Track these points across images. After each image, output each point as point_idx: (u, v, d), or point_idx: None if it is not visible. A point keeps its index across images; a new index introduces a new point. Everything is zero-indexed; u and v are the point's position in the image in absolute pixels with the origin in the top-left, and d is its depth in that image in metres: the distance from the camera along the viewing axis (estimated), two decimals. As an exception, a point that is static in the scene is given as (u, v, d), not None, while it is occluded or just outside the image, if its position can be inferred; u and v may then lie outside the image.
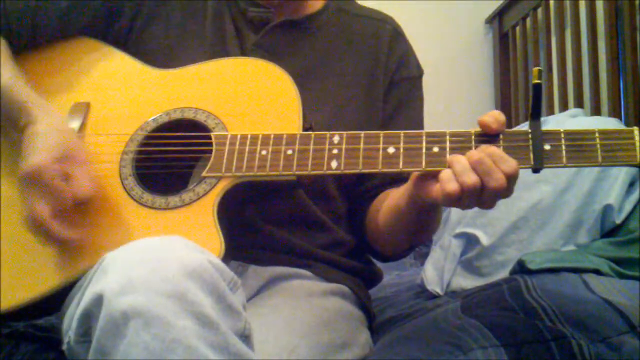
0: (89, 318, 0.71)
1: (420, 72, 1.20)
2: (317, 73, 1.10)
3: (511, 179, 0.81)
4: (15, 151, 0.98)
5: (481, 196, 0.81)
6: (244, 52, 1.09)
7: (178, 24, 1.11)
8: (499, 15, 2.67)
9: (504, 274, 1.37)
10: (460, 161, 0.82)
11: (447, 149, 0.85)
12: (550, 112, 2.27)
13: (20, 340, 0.99)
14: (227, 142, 0.93)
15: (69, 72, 1.08)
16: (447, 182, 0.81)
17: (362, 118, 1.11)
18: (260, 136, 0.92)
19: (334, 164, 0.88)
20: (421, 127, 1.18)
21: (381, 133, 0.89)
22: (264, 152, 0.91)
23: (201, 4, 1.13)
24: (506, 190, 0.81)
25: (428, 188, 0.85)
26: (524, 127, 1.78)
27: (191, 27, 1.11)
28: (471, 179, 0.80)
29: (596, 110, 2.00)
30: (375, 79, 1.13)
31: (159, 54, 1.08)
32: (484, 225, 1.46)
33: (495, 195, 0.81)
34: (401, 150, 0.87)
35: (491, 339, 0.93)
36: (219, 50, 1.08)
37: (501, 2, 2.62)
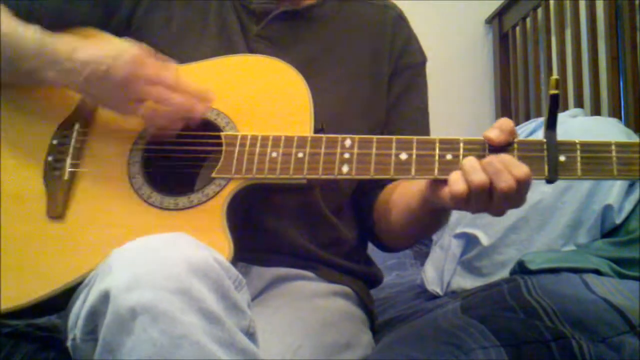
0: (95, 316, 0.72)
1: (423, 58, 1.20)
2: (321, 62, 1.10)
3: (522, 184, 0.80)
4: (16, 143, 0.98)
5: (491, 200, 0.80)
6: (247, 44, 1.09)
7: (180, 16, 1.10)
8: (499, 15, 2.67)
9: (504, 274, 1.37)
10: (470, 161, 0.81)
11: (460, 157, 0.84)
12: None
13: (20, 339, 0.99)
14: (237, 143, 0.92)
15: None
16: (455, 183, 0.80)
17: (366, 106, 1.10)
18: (271, 137, 0.91)
19: (345, 168, 0.88)
20: (426, 113, 1.18)
21: (394, 138, 0.88)
22: (274, 154, 0.90)
23: None
24: (517, 196, 0.80)
25: (440, 192, 0.84)
26: (525, 126, 1.78)
27: (194, 19, 1.11)
28: (479, 178, 0.79)
29: (596, 110, 2.00)
30: (379, 66, 1.13)
31: (162, 46, 1.06)
32: (484, 225, 1.46)
33: (505, 199, 0.80)
34: (414, 156, 0.86)
35: (491, 339, 0.93)
36: (222, 42, 1.08)
37: (501, 2, 2.62)
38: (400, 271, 1.78)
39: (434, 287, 1.47)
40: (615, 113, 1.87)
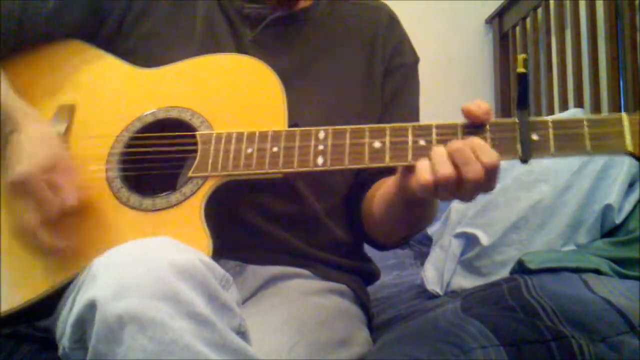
0: (82, 324, 0.71)
1: (415, 59, 1.20)
2: (315, 65, 1.10)
3: (490, 171, 0.79)
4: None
5: (460, 188, 0.80)
6: (240, 49, 1.08)
7: (167, 22, 1.11)
8: (499, 15, 2.67)
9: (504, 273, 1.37)
10: (438, 151, 0.81)
11: (434, 142, 0.84)
12: (550, 112, 2.27)
13: (20, 340, 0.99)
14: (213, 141, 0.92)
15: (54, 74, 1.07)
16: (422, 172, 0.80)
17: (361, 107, 1.10)
18: (246, 134, 0.91)
19: (319, 160, 0.88)
20: (417, 113, 1.18)
21: (366, 127, 0.88)
22: (249, 150, 0.90)
23: (191, 2, 1.12)
24: (486, 184, 0.80)
25: (411, 179, 0.84)
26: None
27: (180, 26, 1.11)
28: (446, 170, 0.79)
29: (596, 110, 2.00)
30: (373, 68, 1.13)
31: (147, 52, 1.07)
32: (484, 225, 1.46)
33: (473, 187, 0.80)
34: (387, 144, 0.86)
35: (491, 339, 0.92)
36: (210, 48, 1.07)
37: (501, 2, 2.62)
38: (400, 271, 1.77)
39: (434, 286, 1.47)
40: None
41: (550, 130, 0.82)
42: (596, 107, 2.01)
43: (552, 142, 0.82)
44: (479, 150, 0.79)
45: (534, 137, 0.82)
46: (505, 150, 0.81)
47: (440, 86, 2.59)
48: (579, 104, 2.09)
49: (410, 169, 0.85)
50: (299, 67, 0.99)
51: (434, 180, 0.79)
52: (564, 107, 2.17)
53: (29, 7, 1.06)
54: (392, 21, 1.18)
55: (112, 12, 1.10)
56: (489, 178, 0.79)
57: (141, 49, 1.08)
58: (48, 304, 0.90)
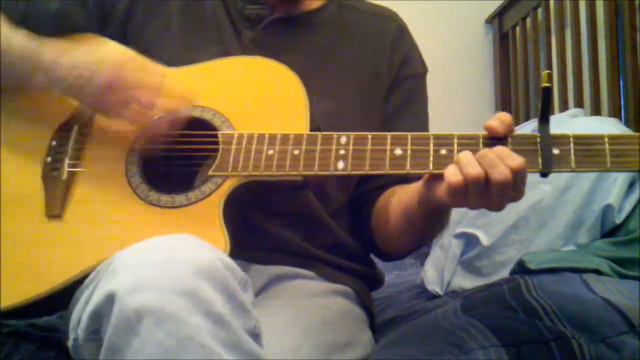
0: (99, 317, 0.72)
1: (424, 70, 1.20)
2: (316, 70, 1.09)
3: (518, 174, 0.80)
4: (15, 145, 0.98)
5: (488, 192, 0.81)
6: (241, 49, 1.08)
7: (175, 24, 1.11)
8: (499, 15, 2.67)
9: (504, 274, 1.37)
10: (465, 155, 0.82)
11: (455, 152, 0.85)
12: (550, 112, 2.27)
13: (20, 339, 0.99)
14: (234, 141, 0.93)
15: None
16: (452, 175, 0.81)
17: (361, 116, 1.10)
18: (267, 135, 0.92)
19: (340, 164, 0.88)
20: (426, 124, 1.18)
21: (388, 134, 0.89)
22: (270, 152, 0.91)
23: (199, 4, 1.12)
24: (513, 188, 0.81)
25: (437, 188, 0.85)
26: (525, 126, 1.79)
27: (189, 27, 1.11)
28: (475, 170, 0.80)
29: (596, 110, 2.00)
30: (378, 77, 1.13)
31: (158, 53, 1.06)
32: (484, 225, 1.46)
33: (501, 191, 0.81)
34: (408, 152, 0.87)
35: (491, 339, 0.93)
36: (217, 49, 1.08)
37: (501, 2, 2.62)
38: (400, 271, 1.78)
39: (434, 286, 1.47)
40: (615, 113, 1.87)
41: (571, 146, 0.83)
42: (596, 107, 2.01)
43: (572, 157, 0.83)
44: (504, 156, 0.81)
45: (555, 151, 0.83)
46: (526, 163, 0.82)
47: (440, 86, 2.58)
48: (579, 103, 2.09)
49: (434, 179, 0.86)
50: (298, 70, 1.00)
51: (464, 181, 0.80)
52: (564, 107, 2.17)
53: (32, 8, 1.06)
54: (401, 31, 1.17)
55: (115, 13, 1.10)
56: (516, 183, 0.81)
57: (152, 50, 1.07)
58: (61, 299, 0.89)
